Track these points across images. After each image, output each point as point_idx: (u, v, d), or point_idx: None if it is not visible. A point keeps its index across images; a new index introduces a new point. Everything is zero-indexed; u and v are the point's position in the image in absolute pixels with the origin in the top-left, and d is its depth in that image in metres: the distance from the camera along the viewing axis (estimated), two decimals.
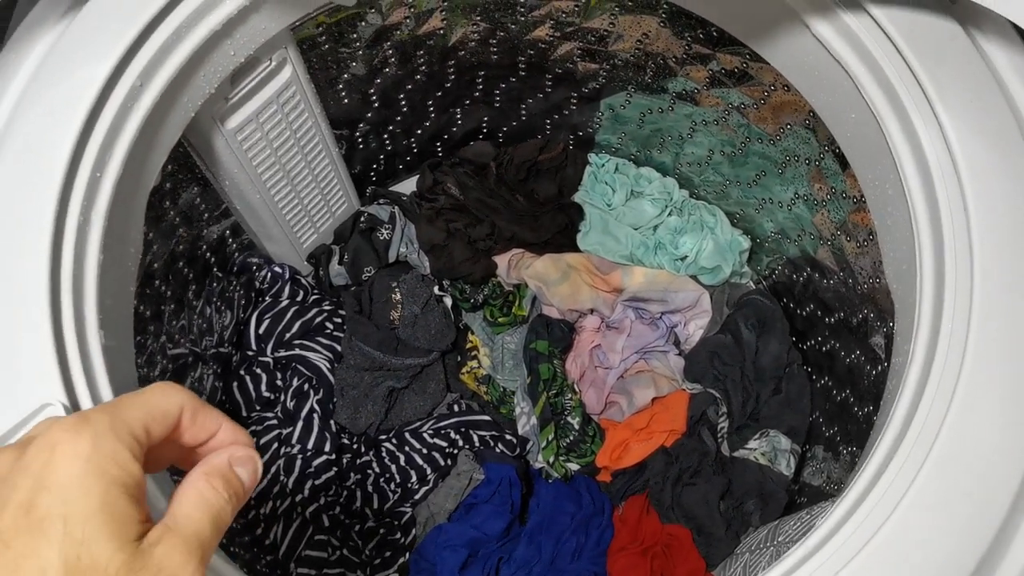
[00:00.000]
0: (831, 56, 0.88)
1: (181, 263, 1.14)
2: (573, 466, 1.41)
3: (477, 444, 1.38)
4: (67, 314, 0.72)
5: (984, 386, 0.69)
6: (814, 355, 1.35)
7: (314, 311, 1.41)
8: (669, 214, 1.47)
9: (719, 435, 1.36)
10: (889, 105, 0.83)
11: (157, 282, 1.06)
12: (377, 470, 1.34)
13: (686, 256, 1.44)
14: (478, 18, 1.24)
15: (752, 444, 1.33)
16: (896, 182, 0.84)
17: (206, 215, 1.20)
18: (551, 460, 1.39)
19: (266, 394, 1.36)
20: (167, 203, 1.07)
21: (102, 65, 0.78)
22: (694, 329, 1.45)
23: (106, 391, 0.72)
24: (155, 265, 1.05)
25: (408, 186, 1.59)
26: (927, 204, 0.79)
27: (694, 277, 1.46)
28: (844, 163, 1.07)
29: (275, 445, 1.34)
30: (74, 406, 0.68)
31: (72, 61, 0.78)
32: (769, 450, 1.32)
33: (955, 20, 0.82)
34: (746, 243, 1.45)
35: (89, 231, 0.76)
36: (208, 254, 1.24)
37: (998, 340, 0.70)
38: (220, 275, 1.29)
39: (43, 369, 0.68)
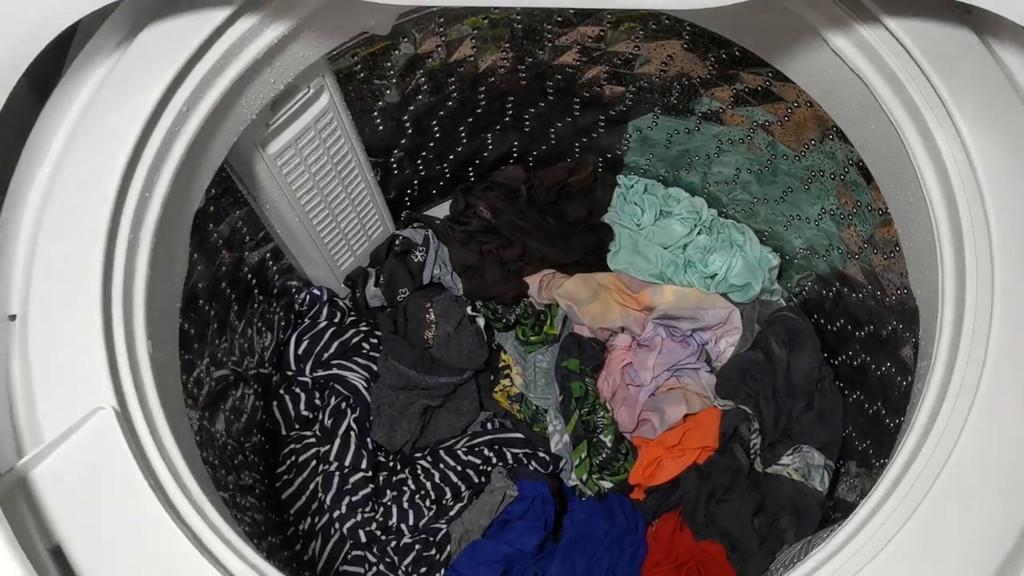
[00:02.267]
0: (849, 69, 0.90)
1: (224, 284, 1.19)
2: (607, 484, 1.42)
3: (511, 461, 1.40)
4: (118, 325, 0.76)
5: (1006, 383, 0.69)
6: (846, 370, 1.35)
7: (351, 332, 1.45)
8: (698, 233, 1.49)
9: (752, 451, 1.36)
10: (907, 114, 0.85)
11: (201, 302, 1.11)
12: (413, 487, 1.36)
13: (716, 274, 1.46)
14: (507, 45, 1.28)
15: (785, 460, 1.33)
16: (916, 189, 0.85)
17: (248, 239, 1.25)
18: (584, 478, 1.40)
19: (305, 413, 1.39)
20: (211, 226, 1.12)
21: (151, 92, 0.83)
22: (725, 346, 1.46)
23: (153, 397, 0.76)
24: (200, 286, 1.10)
25: (442, 210, 1.63)
26: (947, 209, 0.80)
27: (724, 295, 1.47)
28: (868, 176, 1.08)
29: (313, 463, 1.37)
30: (124, 410, 0.72)
31: (124, 89, 0.83)
32: (802, 466, 1.32)
33: (971, 29, 0.84)
34: (775, 260, 1.46)
35: (139, 247, 0.81)
36: (250, 277, 1.29)
37: (1020, 338, 0.71)
38: (261, 297, 1.34)
39: (95, 375, 0.72)
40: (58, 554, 0.66)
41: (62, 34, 0.80)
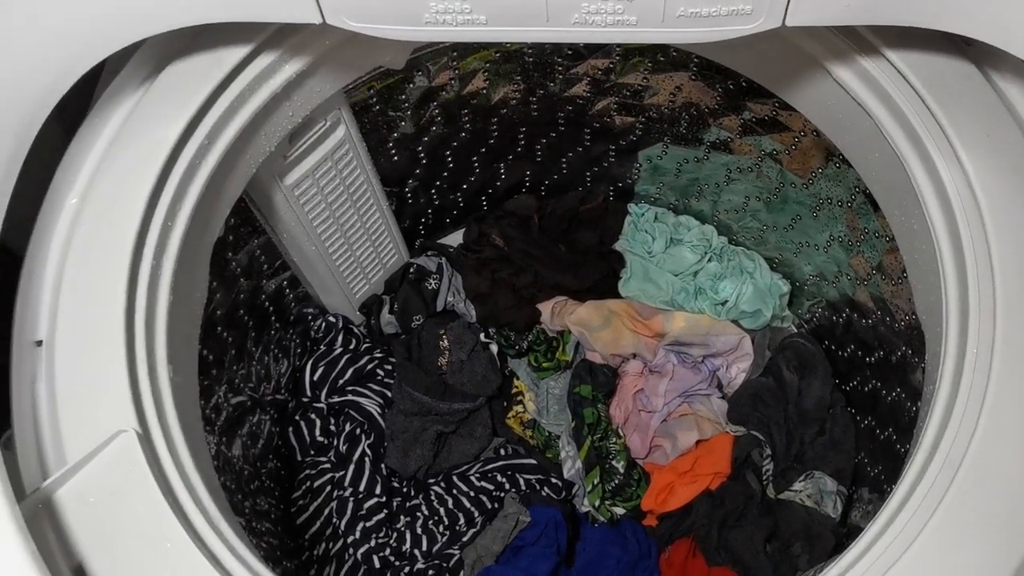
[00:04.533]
0: (853, 99, 0.92)
1: (242, 311, 1.21)
2: (619, 510, 1.42)
3: (523, 487, 1.41)
4: (140, 350, 0.78)
5: (1010, 406, 0.70)
6: (857, 396, 1.35)
7: (366, 359, 1.47)
8: (709, 260, 1.51)
9: (764, 477, 1.37)
10: (910, 143, 0.87)
11: (220, 329, 1.13)
12: (426, 512, 1.37)
13: (726, 301, 1.47)
14: (518, 78, 1.31)
15: (797, 486, 1.33)
16: (920, 217, 0.86)
17: (265, 267, 1.28)
18: (597, 504, 1.40)
19: (320, 439, 1.41)
20: (230, 254, 1.15)
21: (174, 126, 0.86)
22: (736, 372, 1.47)
23: (173, 420, 0.78)
24: (218, 313, 1.13)
25: (455, 239, 1.65)
26: (949, 235, 0.82)
27: (735, 322, 1.48)
28: (875, 204, 1.09)
29: (328, 488, 1.39)
30: (145, 433, 0.74)
31: (148, 123, 0.87)
32: (815, 492, 1.32)
33: (970, 61, 0.86)
34: (785, 287, 1.47)
35: (160, 275, 0.84)
36: (267, 304, 1.31)
37: (1022, 360, 0.72)
38: (278, 325, 1.37)
39: (118, 399, 0.74)
40: (80, 573, 0.68)
41: (89, 72, 0.84)
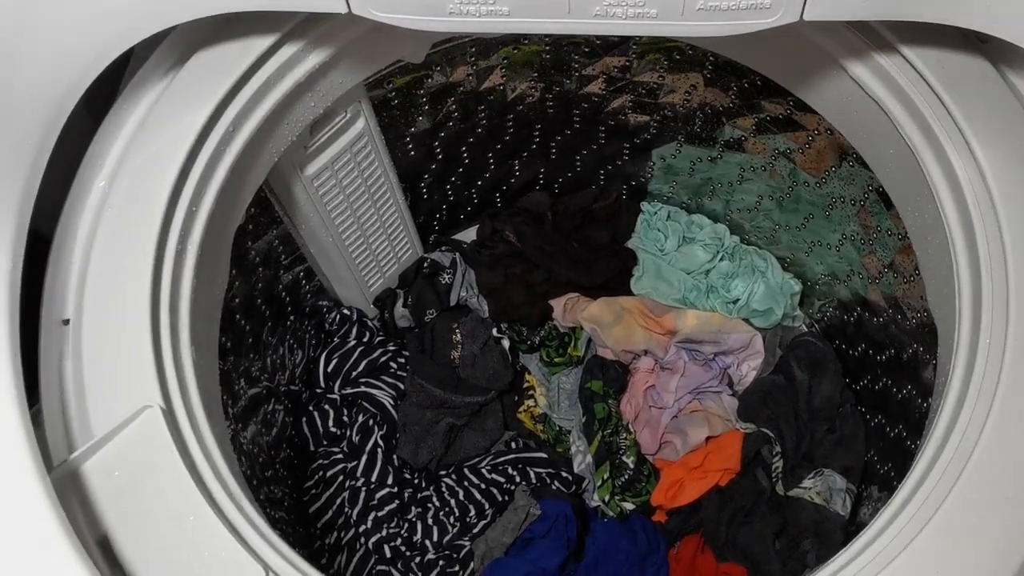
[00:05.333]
0: (868, 96, 0.93)
1: (260, 301, 1.23)
2: (629, 505, 1.43)
3: (534, 480, 1.42)
4: (164, 329, 0.80)
5: (1022, 396, 0.71)
6: (867, 394, 1.36)
7: (379, 351, 1.49)
8: (721, 259, 1.52)
9: (773, 474, 1.37)
10: (924, 139, 0.88)
11: (238, 316, 1.15)
12: (437, 504, 1.39)
13: (738, 299, 1.48)
14: (535, 75, 1.33)
15: (807, 483, 1.34)
16: (934, 211, 0.87)
17: (283, 257, 1.30)
18: (607, 498, 1.41)
19: (333, 429, 1.43)
20: (249, 243, 1.16)
21: (200, 113, 0.88)
22: (747, 370, 1.48)
23: (196, 399, 0.79)
24: (236, 300, 1.14)
25: (469, 235, 1.67)
26: (963, 229, 0.83)
27: (747, 320, 1.49)
28: (888, 202, 1.10)
29: (340, 478, 1.40)
30: (169, 409, 0.76)
31: (175, 110, 0.88)
32: (824, 489, 1.32)
33: (985, 58, 0.87)
34: (797, 286, 1.48)
35: (185, 258, 0.85)
36: (284, 295, 1.33)
37: None
38: (293, 316, 1.38)
39: (144, 375, 0.76)
40: (104, 544, 0.69)
41: (117, 59, 0.86)
